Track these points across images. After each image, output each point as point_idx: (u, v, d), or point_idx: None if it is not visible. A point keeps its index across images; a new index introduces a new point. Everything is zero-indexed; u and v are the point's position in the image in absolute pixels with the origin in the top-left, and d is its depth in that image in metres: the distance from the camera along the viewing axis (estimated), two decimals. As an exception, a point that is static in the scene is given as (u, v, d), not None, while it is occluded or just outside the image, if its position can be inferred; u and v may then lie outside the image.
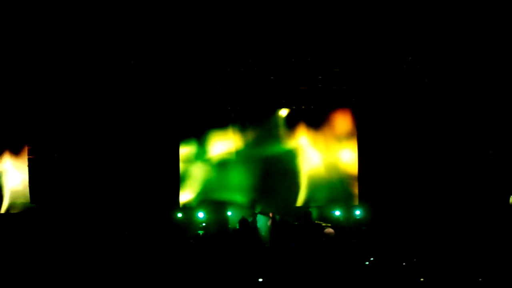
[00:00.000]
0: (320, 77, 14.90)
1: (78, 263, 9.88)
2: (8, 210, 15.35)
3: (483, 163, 14.01)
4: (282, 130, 16.09)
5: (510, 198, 12.88)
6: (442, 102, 14.66)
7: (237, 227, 14.77)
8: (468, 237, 10.75)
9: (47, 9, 12.20)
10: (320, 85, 15.22)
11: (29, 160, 15.24)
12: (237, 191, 15.86)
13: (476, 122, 14.32)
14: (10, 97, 14.73)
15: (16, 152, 15.51)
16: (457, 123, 14.55)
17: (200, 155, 15.95)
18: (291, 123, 16.13)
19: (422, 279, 7.02)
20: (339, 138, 16.19)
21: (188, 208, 15.66)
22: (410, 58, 14.11)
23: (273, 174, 15.97)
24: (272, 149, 16.07)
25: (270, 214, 15.11)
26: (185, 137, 15.91)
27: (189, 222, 15.28)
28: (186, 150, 15.90)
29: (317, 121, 16.13)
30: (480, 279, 7.16)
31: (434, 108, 14.80)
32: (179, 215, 15.28)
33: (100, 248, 11.83)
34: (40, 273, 9.00)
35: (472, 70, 13.77)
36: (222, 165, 15.95)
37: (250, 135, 16.04)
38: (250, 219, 14.94)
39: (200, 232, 14.68)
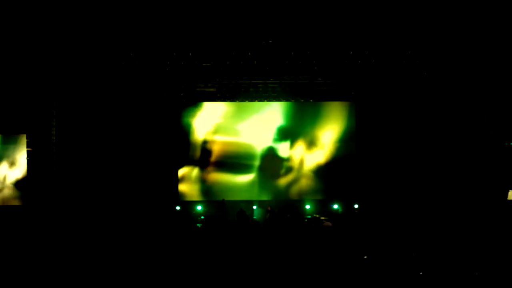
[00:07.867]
0: (318, 69, 14.97)
1: (75, 256, 9.87)
2: None
3: (481, 158, 14.07)
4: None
5: (509, 193, 12.94)
6: (441, 96, 14.70)
7: (235, 219, 14.80)
8: (466, 231, 10.83)
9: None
10: (320, 79, 15.28)
11: (28, 153, 15.13)
12: None
13: (474, 116, 14.36)
14: (11, 87, 14.63)
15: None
16: (455, 117, 14.59)
17: None
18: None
19: (421, 273, 7.09)
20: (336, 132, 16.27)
21: (186, 201, 15.68)
22: (409, 52, 14.12)
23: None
24: None
25: (268, 208, 15.14)
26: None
27: (188, 215, 15.32)
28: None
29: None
30: (477, 273, 7.23)
31: (432, 102, 14.84)
32: (178, 208, 15.28)
33: (97, 243, 11.81)
34: (36, 270, 8.99)
35: (472, 65, 13.80)
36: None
37: None
38: (247, 212, 14.97)
39: (199, 225, 14.71)
